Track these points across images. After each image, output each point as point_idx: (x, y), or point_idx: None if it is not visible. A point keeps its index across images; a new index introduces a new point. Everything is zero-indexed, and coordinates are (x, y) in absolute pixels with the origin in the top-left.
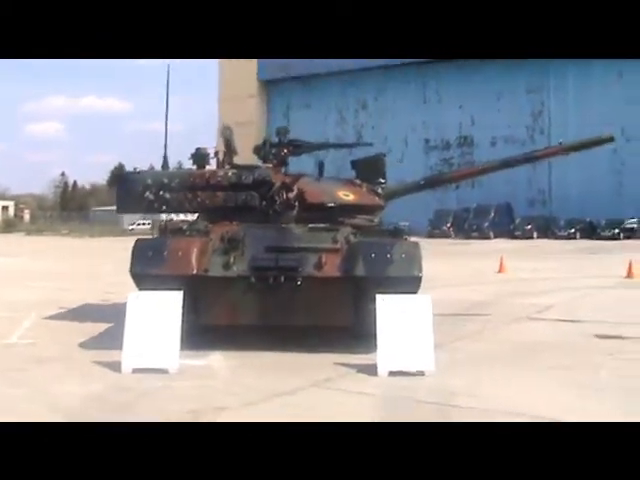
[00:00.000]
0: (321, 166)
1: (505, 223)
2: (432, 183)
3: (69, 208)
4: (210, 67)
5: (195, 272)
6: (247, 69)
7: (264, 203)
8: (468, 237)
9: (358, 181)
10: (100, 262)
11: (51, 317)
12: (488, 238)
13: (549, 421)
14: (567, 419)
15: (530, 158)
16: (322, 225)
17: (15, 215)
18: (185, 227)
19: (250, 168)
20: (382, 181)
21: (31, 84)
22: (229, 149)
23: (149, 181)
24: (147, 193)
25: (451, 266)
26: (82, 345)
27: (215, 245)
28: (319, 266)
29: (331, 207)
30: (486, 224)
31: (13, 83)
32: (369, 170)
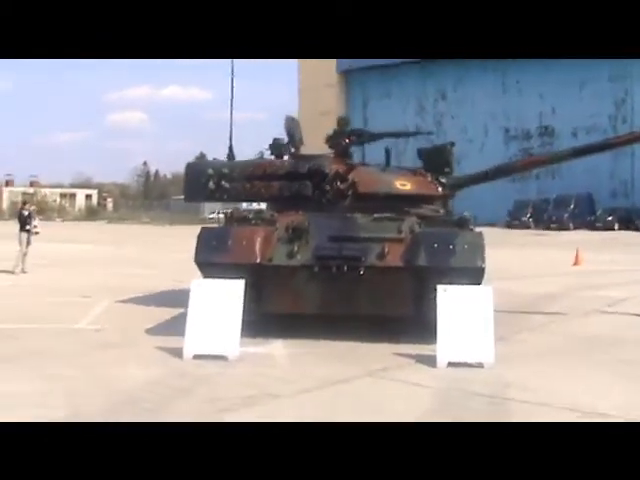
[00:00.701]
0: (388, 154)
1: (585, 214)
2: (499, 173)
3: (151, 197)
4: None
5: (259, 261)
6: (326, 59)
7: (317, 192)
8: (547, 228)
9: (422, 171)
10: (175, 250)
11: (122, 303)
12: (567, 229)
13: (598, 421)
14: (616, 415)
15: (599, 146)
16: (387, 215)
17: (98, 203)
18: (251, 216)
19: (308, 158)
20: (448, 170)
21: (114, 74)
22: (292, 139)
23: (210, 171)
24: (210, 182)
25: (526, 257)
26: (148, 331)
27: (280, 234)
28: (382, 256)
29: (386, 196)
30: (566, 215)
31: (96, 73)
32: (435, 159)
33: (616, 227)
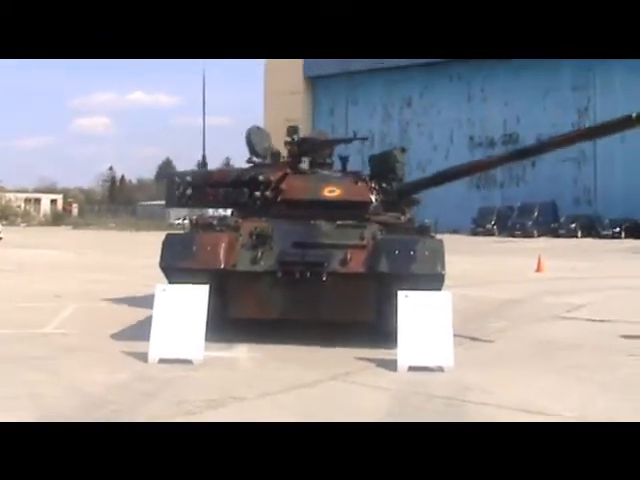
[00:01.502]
0: (343, 161)
1: (549, 221)
2: (446, 177)
3: (117, 202)
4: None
5: (223, 266)
6: (293, 66)
7: (250, 199)
8: (512, 235)
9: (366, 177)
10: (142, 255)
11: (89, 307)
12: (532, 236)
13: (553, 421)
14: (571, 416)
15: (545, 146)
16: (350, 222)
17: (64, 209)
18: (215, 222)
19: (255, 167)
20: (392, 177)
21: (79, 79)
22: (252, 150)
23: (177, 179)
24: (178, 190)
25: (489, 264)
26: (114, 336)
27: (244, 240)
28: (344, 262)
29: (312, 203)
30: (530, 222)
31: (61, 78)
32: (381, 165)
33: (579, 234)
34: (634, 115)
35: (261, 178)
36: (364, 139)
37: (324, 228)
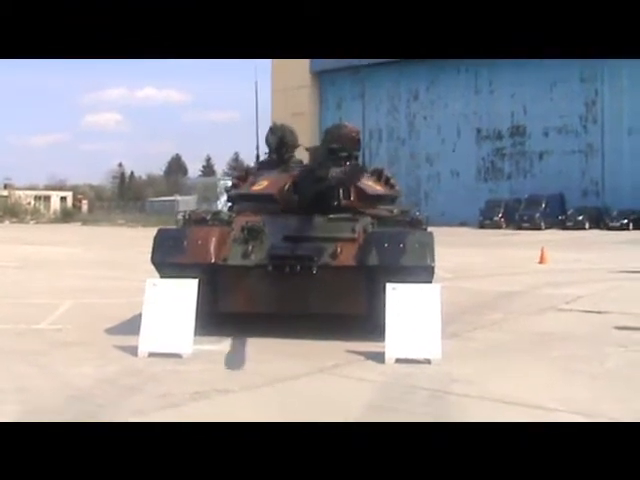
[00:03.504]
0: None
1: (557, 214)
2: None
3: (126, 198)
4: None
5: (213, 260)
6: (299, 60)
7: None
8: (519, 227)
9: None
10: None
11: (86, 303)
12: (539, 229)
13: (534, 412)
14: (554, 407)
15: None
16: (342, 215)
17: (73, 205)
18: (208, 217)
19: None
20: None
21: (89, 75)
22: (270, 148)
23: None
24: None
25: (494, 256)
26: (107, 330)
27: (235, 235)
28: (335, 255)
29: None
30: (537, 214)
31: (71, 74)
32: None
33: (587, 226)
34: None
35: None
36: None
37: (316, 222)
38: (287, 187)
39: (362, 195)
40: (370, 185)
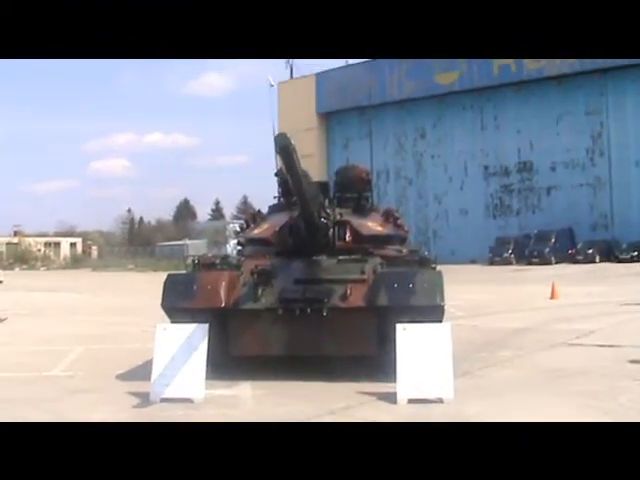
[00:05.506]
0: None
1: (567, 248)
2: None
3: (136, 243)
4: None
5: (224, 305)
6: (305, 103)
7: None
8: (529, 263)
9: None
10: (154, 296)
11: (96, 350)
12: (549, 263)
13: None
14: None
15: None
16: (351, 257)
17: (83, 251)
18: (217, 261)
19: None
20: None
21: (95, 121)
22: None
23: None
24: None
25: (503, 293)
26: (119, 377)
27: (245, 278)
28: (344, 297)
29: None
30: (547, 249)
31: (77, 121)
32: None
33: (597, 259)
34: None
35: None
36: None
37: (325, 264)
38: (283, 230)
39: (357, 236)
40: (367, 225)
